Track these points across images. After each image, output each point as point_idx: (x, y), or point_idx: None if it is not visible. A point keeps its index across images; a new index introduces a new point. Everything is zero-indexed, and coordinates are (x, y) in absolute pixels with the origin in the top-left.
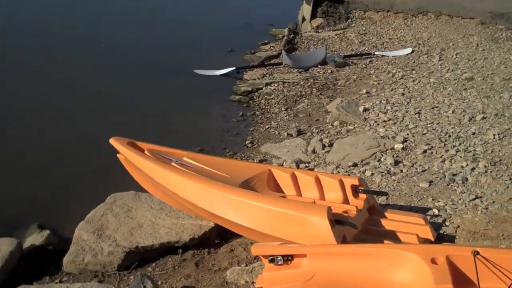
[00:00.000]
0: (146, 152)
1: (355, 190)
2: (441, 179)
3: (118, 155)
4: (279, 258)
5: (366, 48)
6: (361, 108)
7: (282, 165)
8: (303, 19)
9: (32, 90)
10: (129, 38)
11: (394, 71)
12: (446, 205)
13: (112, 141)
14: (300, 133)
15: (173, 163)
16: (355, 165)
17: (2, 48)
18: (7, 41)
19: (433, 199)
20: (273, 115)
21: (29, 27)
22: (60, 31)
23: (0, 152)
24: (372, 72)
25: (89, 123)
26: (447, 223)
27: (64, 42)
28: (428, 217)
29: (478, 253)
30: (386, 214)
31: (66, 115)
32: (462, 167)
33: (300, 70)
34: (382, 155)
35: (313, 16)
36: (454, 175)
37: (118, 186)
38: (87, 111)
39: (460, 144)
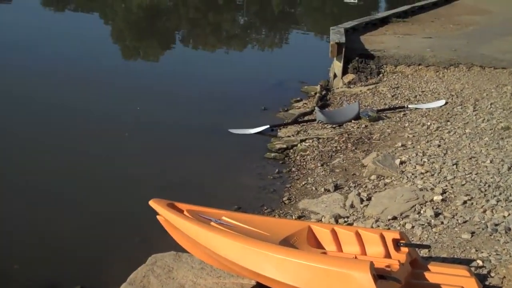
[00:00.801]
0: (185, 212)
1: (397, 244)
2: (483, 229)
3: (157, 216)
4: None
5: (399, 102)
6: (397, 161)
7: (321, 220)
8: (335, 76)
9: (70, 154)
10: (164, 99)
11: (428, 123)
12: (490, 255)
13: (151, 203)
14: (337, 188)
15: (212, 223)
16: (394, 218)
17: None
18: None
19: (476, 250)
20: (309, 171)
21: (70, 89)
22: (97, 95)
23: (42, 215)
24: (406, 125)
25: (129, 186)
26: (492, 274)
27: (101, 106)
28: (472, 269)
29: None
30: (430, 267)
31: (106, 179)
32: (504, 216)
33: (334, 126)
34: (422, 208)
35: (345, 72)
36: (496, 225)
37: (158, 247)
38: (126, 174)
39: (500, 194)
